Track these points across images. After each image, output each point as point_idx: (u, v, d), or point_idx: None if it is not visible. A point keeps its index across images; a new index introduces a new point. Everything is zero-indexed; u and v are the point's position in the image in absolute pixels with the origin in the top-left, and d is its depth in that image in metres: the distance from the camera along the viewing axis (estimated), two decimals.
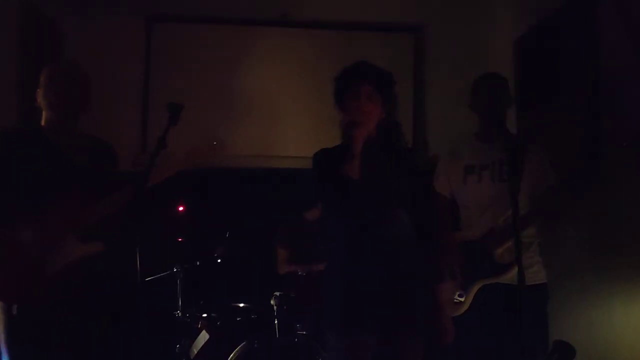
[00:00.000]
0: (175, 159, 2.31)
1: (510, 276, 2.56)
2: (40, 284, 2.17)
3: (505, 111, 2.77)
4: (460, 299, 2.68)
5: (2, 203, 2.22)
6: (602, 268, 2.96)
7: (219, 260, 3.36)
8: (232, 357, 3.05)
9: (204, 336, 3.30)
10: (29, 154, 2.26)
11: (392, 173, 2.20)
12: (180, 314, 3.25)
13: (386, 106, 2.22)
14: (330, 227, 2.28)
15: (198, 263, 3.36)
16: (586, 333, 3.05)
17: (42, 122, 2.36)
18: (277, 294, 3.15)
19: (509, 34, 3.84)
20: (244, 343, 3.07)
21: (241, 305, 3.43)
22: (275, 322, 3.10)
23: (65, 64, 2.39)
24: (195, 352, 3.29)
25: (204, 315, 3.33)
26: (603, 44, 3.00)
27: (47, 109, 2.32)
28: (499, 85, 2.79)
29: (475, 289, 2.66)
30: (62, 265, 2.18)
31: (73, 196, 2.23)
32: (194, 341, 3.33)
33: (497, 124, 2.69)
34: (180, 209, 3.26)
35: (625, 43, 2.83)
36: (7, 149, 2.28)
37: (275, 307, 3.12)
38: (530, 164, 2.63)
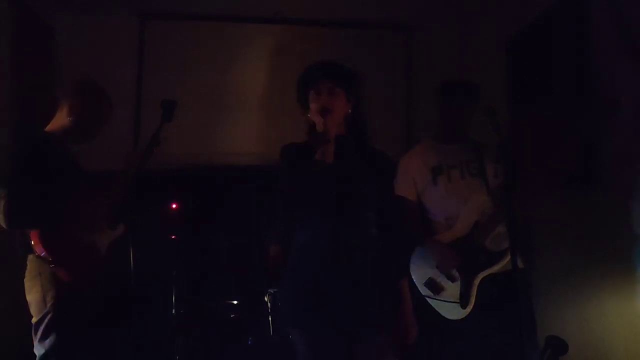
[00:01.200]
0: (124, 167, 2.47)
1: (505, 262, 2.62)
2: (95, 268, 2.41)
3: (470, 117, 2.82)
4: (463, 300, 2.70)
5: (44, 203, 2.34)
6: (594, 264, 2.99)
7: (213, 258, 3.37)
8: (226, 355, 3.06)
9: (198, 334, 3.31)
10: (53, 160, 2.41)
11: (360, 168, 2.23)
12: (174, 312, 3.25)
13: (351, 100, 2.26)
14: (295, 219, 2.29)
15: (192, 261, 3.37)
16: (578, 328, 3.08)
17: (62, 128, 2.50)
18: (271, 291, 3.15)
19: (500, 33, 3.86)
20: (239, 340, 3.07)
21: (235, 302, 3.45)
22: (270, 319, 3.11)
23: (91, 80, 2.52)
24: (190, 350, 3.30)
25: (199, 312, 3.34)
26: (594, 44, 3.02)
27: (71, 121, 2.44)
28: (463, 95, 2.84)
29: (476, 283, 2.69)
30: (105, 249, 2.42)
31: (94, 194, 2.40)
32: (188, 339, 3.34)
33: (461, 127, 2.78)
34: (174, 206, 3.26)
35: (617, 43, 2.85)
36: (36, 155, 2.41)
37: (269, 304, 3.12)
38: (489, 161, 2.76)
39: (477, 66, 4.02)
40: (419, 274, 2.83)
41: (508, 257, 2.55)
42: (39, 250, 2.34)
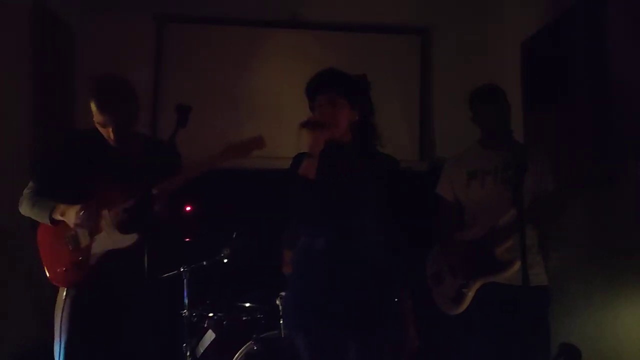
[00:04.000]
0: (211, 155, 2.33)
1: (509, 275, 2.61)
2: (88, 269, 2.35)
3: (506, 121, 2.80)
4: (465, 290, 2.71)
5: (63, 198, 2.38)
6: (608, 271, 2.96)
7: (225, 260, 3.38)
8: (237, 356, 3.07)
9: (210, 335, 3.32)
10: (87, 153, 2.41)
11: (357, 176, 2.21)
12: (187, 313, 3.27)
13: (356, 108, 2.24)
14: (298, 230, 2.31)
15: (205, 263, 3.38)
16: (592, 335, 3.05)
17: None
18: (283, 293, 3.16)
19: (516, 36, 3.84)
20: (250, 342, 3.08)
21: (247, 305, 3.45)
22: (281, 321, 3.11)
23: (112, 78, 2.43)
24: (202, 351, 3.32)
25: (211, 314, 3.34)
26: (611, 46, 2.99)
27: (99, 119, 2.38)
28: (496, 100, 2.81)
29: (475, 287, 2.70)
30: (103, 252, 2.34)
31: (120, 188, 2.34)
32: (200, 340, 3.36)
33: (499, 133, 2.75)
34: (188, 209, 3.29)
35: (634, 45, 2.82)
36: (67, 149, 2.46)
37: (280, 307, 3.13)
38: (533, 170, 2.66)
39: (492, 68, 4.00)
40: (432, 266, 2.92)
41: (516, 268, 2.54)
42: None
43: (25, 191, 2.49)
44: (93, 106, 2.36)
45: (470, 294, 2.70)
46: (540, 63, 3.58)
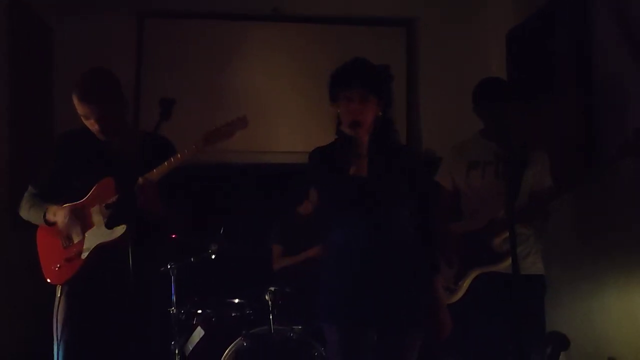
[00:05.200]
0: (196, 140, 2.29)
1: (506, 265, 2.62)
2: (79, 264, 2.36)
3: (509, 112, 2.81)
4: (454, 286, 2.73)
5: (59, 199, 2.40)
6: (595, 261, 2.99)
7: (213, 257, 3.36)
8: (227, 353, 3.06)
9: (199, 332, 3.30)
10: (78, 152, 2.42)
11: (392, 170, 2.22)
12: (174, 311, 3.25)
13: (381, 104, 2.22)
14: (330, 222, 2.29)
15: (192, 259, 3.36)
16: (580, 324, 3.08)
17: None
18: (272, 289, 3.15)
19: (501, 27, 3.85)
20: (239, 338, 3.08)
21: (236, 300, 3.44)
22: (270, 317, 3.11)
23: (93, 70, 2.40)
24: (191, 348, 3.30)
25: (199, 311, 3.33)
26: (596, 37, 3.01)
27: (81, 111, 2.35)
28: (499, 93, 2.83)
29: (471, 277, 2.73)
30: (94, 247, 2.34)
31: (113, 183, 2.33)
32: (189, 337, 3.34)
33: (502, 126, 2.75)
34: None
35: (618, 36, 2.84)
36: (63, 149, 2.46)
37: (270, 302, 3.12)
38: (533, 164, 2.72)
39: (478, 60, 4.01)
40: None
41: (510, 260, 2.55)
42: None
43: (25, 194, 2.52)
44: (75, 100, 2.33)
45: (466, 284, 2.72)
46: (525, 54, 3.59)
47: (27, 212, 2.48)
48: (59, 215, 2.37)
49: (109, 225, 2.16)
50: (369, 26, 4.42)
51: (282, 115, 4.28)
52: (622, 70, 2.81)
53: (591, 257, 3.02)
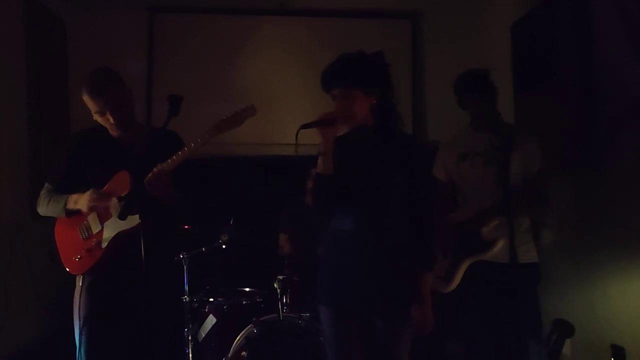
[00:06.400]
0: (207, 130, 2.34)
1: (495, 253, 2.68)
2: (100, 254, 2.43)
3: (492, 103, 2.84)
4: (449, 276, 2.80)
5: (74, 192, 2.45)
6: (597, 247, 3.02)
7: (223, 246, 3.42)
8: (238, 339, 3.12)
9: (211, 320, 3.37)
10: (94, 148, 2.49)
11: (387, 159, 2.24)
12: (187, 299, 3.32)
13: (372, 93, 2.23)
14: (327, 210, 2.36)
15: (204, 249, 3.43)
16: (583, 312, 3.11)
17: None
18: (281, 277, 3.20)
19: (506, 18, 3.86)
20: (250, 326, 3.14)
21: (246, 289, 3.52)
22: (279, 305, 3.16)
23: (98, 68, 2.46)
24: (203, 335, 3.37)
25: (211, 299, 3.39)
26: (597, 28, 3.02)
27: (94, 107, 2.41)
28: (479, 85, 2.84)
29: (464, 266, 2.78)
30: (113, 236, 2.41)
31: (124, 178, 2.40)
32: (201, 325, 3.41)
33: (487, 117, 2.79)
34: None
35: (619, 27, 2.85)
36: (77, 147, 2.52)
37: (278, 290, 3.18)
38: (521, 149, 2.72)
39: (483, 50, 4.03)
40: None
41: (499, 247, 2.63)
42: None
43: (42, 192, 2.57)
44: (86, 97, 2.39)
45: (460, 273, 2.77)
46: (530, 44, 3.61)
47: (45, 207, 2.52)
48: (82, 200, 2.42)
49: (121, 216, 2.23)
50: (375, 19, 4.45)
51: (290, 108, 4.32)
52: (623, 62, 2.83)
53: (593, 246, 3.05)
